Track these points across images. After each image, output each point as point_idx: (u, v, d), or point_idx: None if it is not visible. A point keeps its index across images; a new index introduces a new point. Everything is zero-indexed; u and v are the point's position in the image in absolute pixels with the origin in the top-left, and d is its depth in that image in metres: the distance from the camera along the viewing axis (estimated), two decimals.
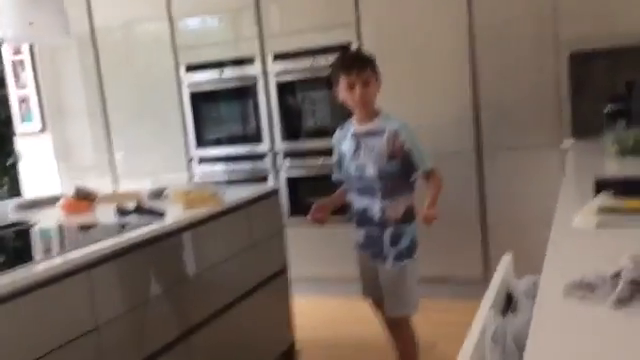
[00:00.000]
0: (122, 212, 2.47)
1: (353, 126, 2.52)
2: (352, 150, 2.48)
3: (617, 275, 1.01)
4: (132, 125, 4.58)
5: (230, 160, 4.32)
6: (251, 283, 2.75)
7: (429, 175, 2.44)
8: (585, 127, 3.43)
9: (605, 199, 1.66)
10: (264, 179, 4.18)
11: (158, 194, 2.91)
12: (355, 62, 2.43)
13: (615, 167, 2.37)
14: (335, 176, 2.66)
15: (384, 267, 2.48)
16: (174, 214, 2.41)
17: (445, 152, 3.66)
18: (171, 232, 2.27)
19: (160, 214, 2.36)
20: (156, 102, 4.47)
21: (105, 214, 2.57)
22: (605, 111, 2.98)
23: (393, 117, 2.48)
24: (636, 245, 1.25)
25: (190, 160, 4.43)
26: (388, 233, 2.44)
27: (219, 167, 4.35)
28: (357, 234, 2.56)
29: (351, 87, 2.39)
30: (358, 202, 2.52)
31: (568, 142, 3.38)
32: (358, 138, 2.48)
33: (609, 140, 2.64)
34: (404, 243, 2.44)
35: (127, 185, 4.51)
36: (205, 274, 2.44)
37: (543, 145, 3.50)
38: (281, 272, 3.00)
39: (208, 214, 2.46)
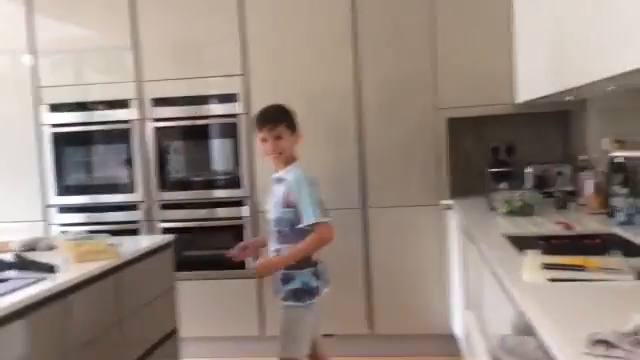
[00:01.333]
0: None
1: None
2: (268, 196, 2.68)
3: (636, 333, 1.04)
4: None
5: (96, 210, 3.94)
6: (142, 348, 2.47)
7: (313, 229, 2.49)
8: (462, 187, 3.69)
9: (539, 256, 1.75)
10: (134, 232, 3.87)
11: (31, 246, 2.54)
12: (267, 119, 2.59)
13: (512, 225, 2.54)
14: None
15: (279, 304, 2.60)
16: (65, 269, 2.10)
17: (334, 208, 3.70)
18: (64, 290, 1.96)
19: (50, 268, 2.04)
20: (9, 142, 3.98)
21: None
22: (489, 172, 3.21)
23: (299, 169, 2.57)
24: (605, 297, 1.32)
25: (47, 207, 3.96)
26: (279, 274, 2.55)
27: (82, 217, 3.95)
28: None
29: (264, 140, 2.58)
30: (269, 245, 2.65)
31: (446, 201, 3.59)
32: (272, 184, 2.65)
33: (499, 200, 2.83)
34: (292, 285, 2.53)
35: None
36: (96, 339, 2.14)
37: (423, 203, 3.67)
38: (172, 333, 2.74)
39: (104, 268, 2.18)
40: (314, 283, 2.54)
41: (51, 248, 2.52)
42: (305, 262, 2.53)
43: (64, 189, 3.95)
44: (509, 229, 2.42)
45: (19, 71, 3.95)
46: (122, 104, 3.87)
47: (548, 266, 1.63)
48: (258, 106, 3.72)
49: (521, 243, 1.99)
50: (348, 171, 3.71)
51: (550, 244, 1.89)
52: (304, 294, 2.52)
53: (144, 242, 2.60)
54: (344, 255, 3.70)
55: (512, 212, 2.76)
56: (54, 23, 3.95)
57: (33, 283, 1.91)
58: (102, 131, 3.91)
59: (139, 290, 2.47)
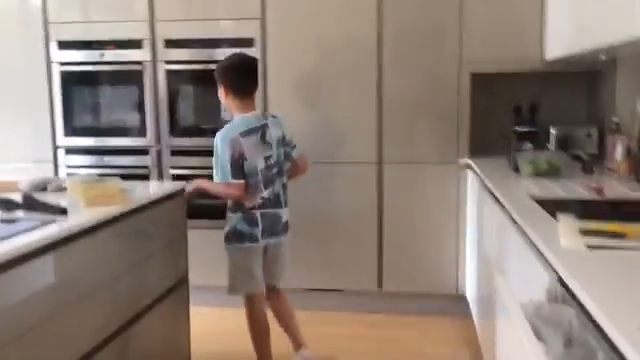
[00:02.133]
0: (7, 205, 2.02)
1: None
2: None
3: None
4: None
5: (104, 153, 3.85)
6: (152, 295, 2.42)
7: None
8: (480, 147, 3.57)
9: (574, 222, 1.66)
10: (144, 177, 3.79)
11: (40, 187, 2.45)
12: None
13: (538, 187, 2.44)
14: None
15: None
16: (75, 212, 2.02)
17: (348, 162, 3.62)
18: (76, 234, 1.89)
19: (62, 210, 1.96)
20: (18, 80, 3.86)
21: None
22: (514, 132, 3.09)
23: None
24: None
25: (56, 149, 3.87)
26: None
27: (90, 159, 3.86)
28: None
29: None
30: None
31: (465, 160, 3.48)
32: None
33: (523, 161, 2.72)
34: (225, 228, 2.78)
35: None
36: (106, 286, 2.08)
37: (440, 161, 3.56)
38: (181, 282, 2.69)
39: (115, 213, 2.10)
40: (245, 228, 2.71)
41: (61, 190, 2.44)
42: (235, 208, 2.74)
43: (73, 130, 3.85)
44: (536, 192, 2.32)
45: (28, 6, 3.80)
46: (134, 44, 3.72)
47: (586, 232, 1.55)
48: (274, 52, 3.67)
49: (551, 206, 1.90)
50: (364, 124, 3.59)
51: (585, 209, 1.80)
52: (233, 237, 2.73)
53: (155, 189, 2.51)
54: (357, 210, 3.63)
55: (538, 174, 2.66)
56: None
57: (43, 225, 1.83)
58: (112, 72, 3.78)
59: (150, 237, 2.40)
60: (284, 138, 2.82)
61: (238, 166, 2.63)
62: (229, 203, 2.77)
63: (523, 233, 1.75)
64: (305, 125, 3.55)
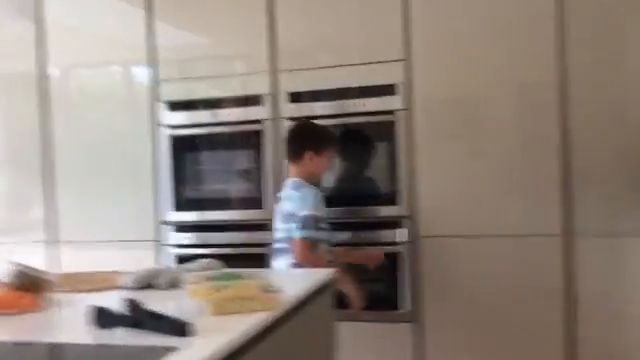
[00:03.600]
0: (103, 319, 1.35)
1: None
2: None
3: None
4: (77, 174, 3.43)
5: (214, 229, 3.22)
6: None
7: None
8: None
9: None
10: (261, 257, 3.11)
11: (147, 281, 1.80)
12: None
13: None
14: None
15: None
16: (201, 326, 1.31)
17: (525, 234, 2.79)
18: None
19: (180, 327, 1.26)
20: (116, 145, 3.36)
21: (68, 320, 1.45)
22: None
23: None
24: None
25: (161, 224, 3.29)
26: None
27: (198, 237, 3.24)
28: None
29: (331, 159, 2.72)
30: None
31: None
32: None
33: None
34: None
35: (67, 258, 3.33)
36: None
37: None
38: None
39: (262, 325, 1.38)
40: None
41: (174, 285, 1.77)
42: None
43: (182, 203, 3.27)
44: None
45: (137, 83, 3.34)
46: (253, 100, 3.14)
47: None
48: (422, 101, 2.97)
49: None
50: (545, 186, 2.76)
51: None
52: None
53: (301, 280, 1.79)
54: (538, 294, 2.76)
55: None
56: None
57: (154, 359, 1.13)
58: (228, 134, 3.19)
59: (302, 350, 1.65)
60: (293, 213, 2.50)
61: None
62: None
63: None
64: (458, 184, 2.83)
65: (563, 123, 2.73)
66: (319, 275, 1.93)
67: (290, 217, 2.52)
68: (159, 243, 3.28)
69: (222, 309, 1.41)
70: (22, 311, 1.54)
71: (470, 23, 2.84)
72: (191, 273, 1.62)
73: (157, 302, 1.48)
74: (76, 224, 3.42)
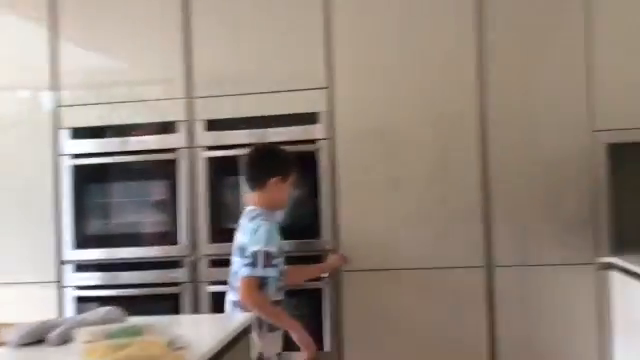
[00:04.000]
0: None
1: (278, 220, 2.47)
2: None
3: None
4: None
5: (120, 268, 2.95)
6: None
7: None
8: (630, 238, 2.68)
9: None
10: (173, 297, 2.88)
11: (36, 337, 1.56)
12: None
13: None
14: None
15: None
16: None
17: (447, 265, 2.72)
18: None
19: None
20: (14, 176, 3.04)
21: None
22: None
23: None
24: None
25: (61, 264, 2.99)
26: None
27: (103, 277, 2.96)
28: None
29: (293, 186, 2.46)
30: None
31: (606, 258, 2.60)
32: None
33: None
34: None
35: None
36: None
37: (570, 262, 2.67)
38: None
39: None
40: None
41: (66, 341, 1.54)
42: None
43: (82, 240, 2.99)
44: None
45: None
46: (167, 128, 2.94)
47: None
48: (344, 129, 2.86)
49: None
50: (467, 219, 2.72)
51: None
52: None
53: (215, 330, 1.60)
54: (462, 329, 2.70)
55: None
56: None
57: None
58: (137, 163, 2.96)
59: None
60: (243, 247, 2.30)
61: None
62: None
63: None
64: (378, 216, 2.77)
65: (482, 154, 2.72)
66: (234, 322, 1.74)
67: (241, 250, 2.29)
68: (60, 285, 2.98)
69: None
70: None
71: (391, 53, 2.80)
72: (85, 328, 1.40)
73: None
74: None
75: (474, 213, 2.71)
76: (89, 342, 1.28)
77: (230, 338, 1.60)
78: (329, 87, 2.81)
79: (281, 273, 2.33)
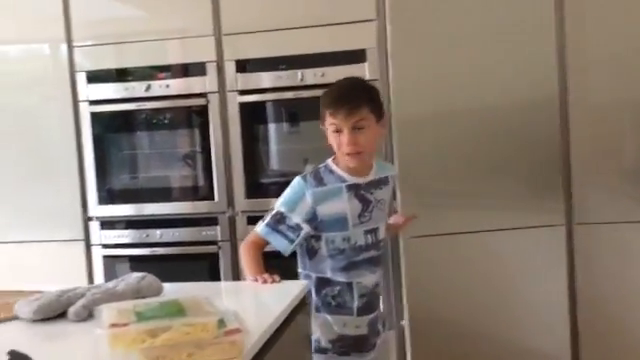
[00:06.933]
0: None
1: (344, 176, 1.81)
2: (358, 210, 1.80)
3: None
4: None
5: (152, 225, 2.70)
6: None
7: None
8: None
9: None
10: (212, 257, 2.63)
11: (53, 311, 1.30)
12: (346, 98, 1.77)
13: None
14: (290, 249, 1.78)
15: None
16: None
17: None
18: None
19: None
20: (29, 128, 2.77)
21: None
22: None
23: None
24: None
25: (87, 221, 2.74)
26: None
27: (134, 234, 2.72)
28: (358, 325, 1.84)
29: (338, 131, 1.78)
30: (366, 280, 1.84)
31: None
32: (364, 193, 1.81)
33: None
34: None
35: None
36: None
37: None
38: None
39: None
40: None
41: (90, 315, 1.28)
42: None
43: (109, 195, 2.73)
44: None
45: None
46: (193, 70, 2.62)
47: None
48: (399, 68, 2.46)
49: None
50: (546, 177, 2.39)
51: None
52: None
53: (267, 296, 1.32)
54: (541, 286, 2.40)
55: None
56: None
57: None
58: (163, 110, 2.66)
59: None
60: None
61: None
62: None
63: None
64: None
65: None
66: (290, 292, 1.45)
67: None
68: (87, 243, 2.73)
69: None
70: None
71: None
72: (111, 305, 1.13)
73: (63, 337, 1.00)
74: None
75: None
76: (115, 325, 1.01)
77: (289, 309, 1.32)
78: (378, 19, 2.45)
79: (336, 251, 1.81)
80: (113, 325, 0.99)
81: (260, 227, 1.78)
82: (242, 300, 1.52)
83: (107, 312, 1.06)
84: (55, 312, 1.31)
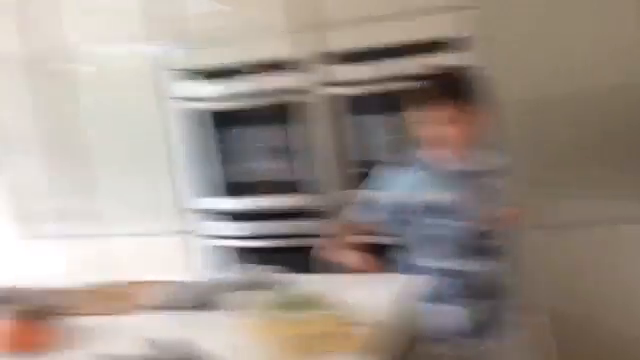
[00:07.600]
0: None
1: (436, 163, 1.80)
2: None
3: None
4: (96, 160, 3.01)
5: (251, 218, 2.78)
6: None
7: None
8: None
9: None
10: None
11: (182, 301, 1.38)
12: (446, 90, 1.77)
13: None
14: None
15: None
16: None
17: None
18: None
19: None
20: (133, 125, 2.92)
21: None
22: None
23: None
24: None
25: (182, 213, 2.87)
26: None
27: (232, 226, 2.80)
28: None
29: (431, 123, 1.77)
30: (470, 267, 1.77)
31: None
32: (463, 179, 1.79)
33: None
34: None
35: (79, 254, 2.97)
36: None
37: None
38: None
39: None
40: None
41: (212, 307, 1.35)
42: None
43: (217, 187, 2.83)
44: None
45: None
46: (290, 65, 2.64)
47: None
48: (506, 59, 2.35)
49: None
50: None
51: None
52: None
53: (371, 291, 1.33)
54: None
55: None
56: None
57: None
58: (258, 108, 2.72)
59: None
60: None
61: None
62: None
63: None
64: None
65: None
66: (399, 285, 1.44)
67: None
68: (183, 235, 2.87)
69: (309, 349, 0.97)
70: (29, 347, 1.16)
71: None
72: (256, 295, 1.17)
73: (207, 331, 1.05)
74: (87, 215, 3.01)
75: None
76: (258, 316, 1.05)
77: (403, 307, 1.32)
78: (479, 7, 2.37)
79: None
80: (258, 314, 1.03)
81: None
82: (353, 292, 1.53)
83: (254, 301, 1.11)
84: (177, 304, 1.38)
